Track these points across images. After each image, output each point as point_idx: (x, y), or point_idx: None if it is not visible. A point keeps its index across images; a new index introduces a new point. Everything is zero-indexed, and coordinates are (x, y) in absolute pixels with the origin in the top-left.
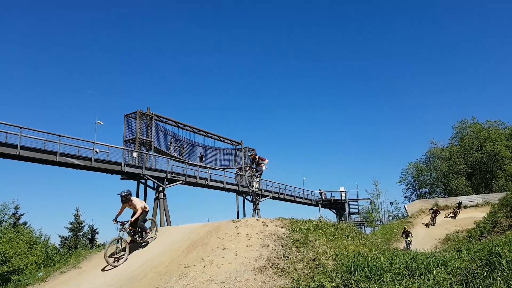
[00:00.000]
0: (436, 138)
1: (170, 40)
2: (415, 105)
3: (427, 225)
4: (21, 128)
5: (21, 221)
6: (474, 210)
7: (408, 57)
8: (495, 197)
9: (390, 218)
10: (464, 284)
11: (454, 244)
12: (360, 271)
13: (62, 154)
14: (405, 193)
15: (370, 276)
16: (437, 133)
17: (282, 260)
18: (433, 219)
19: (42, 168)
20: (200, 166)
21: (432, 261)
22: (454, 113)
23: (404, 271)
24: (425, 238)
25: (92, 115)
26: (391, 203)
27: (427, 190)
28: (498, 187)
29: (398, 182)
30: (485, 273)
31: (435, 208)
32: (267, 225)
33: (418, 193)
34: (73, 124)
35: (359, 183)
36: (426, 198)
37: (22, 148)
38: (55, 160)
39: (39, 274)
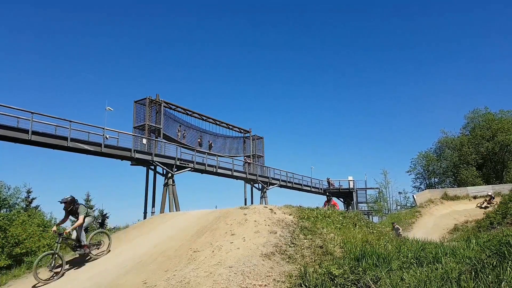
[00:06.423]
0: (447, 128)
1: (181, 29)
2: (426, 94)
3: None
4: (32, 113)
5: (33, 205)
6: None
7: (420, 46)
8: (505, 188)
9: (398, 207)
10: (473, 273)
11: (463, 234)
12: (367, 259)
13: (72, 140)
14: (414, 183)
15: (377, 264)
16: (448, 123)
17: (290, 246)
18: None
19: (53, 153)
20: (209, 154)
21: (440, 250)
22: (466, 102)
23: (412, 260)
24: (433, 228)
25: (102, 101)
26: (400, 193)
27: (436, 180)
28: (509, 178)
29: (408, 172)
30: (495, 263)
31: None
32: (275, 212)
33: (427, 183)
34: (83, 110)
35: (368, 173)
36: (435, 188)
37: (34, 133)
38: (66, 145)
39: None
